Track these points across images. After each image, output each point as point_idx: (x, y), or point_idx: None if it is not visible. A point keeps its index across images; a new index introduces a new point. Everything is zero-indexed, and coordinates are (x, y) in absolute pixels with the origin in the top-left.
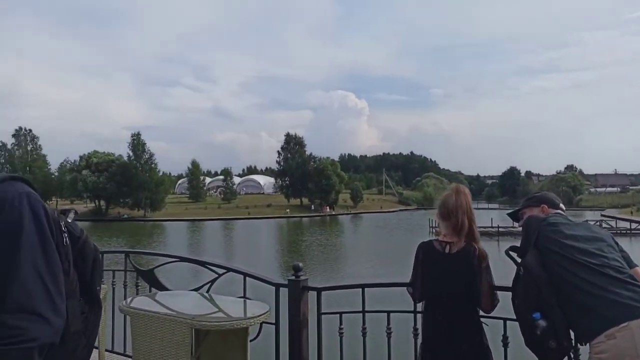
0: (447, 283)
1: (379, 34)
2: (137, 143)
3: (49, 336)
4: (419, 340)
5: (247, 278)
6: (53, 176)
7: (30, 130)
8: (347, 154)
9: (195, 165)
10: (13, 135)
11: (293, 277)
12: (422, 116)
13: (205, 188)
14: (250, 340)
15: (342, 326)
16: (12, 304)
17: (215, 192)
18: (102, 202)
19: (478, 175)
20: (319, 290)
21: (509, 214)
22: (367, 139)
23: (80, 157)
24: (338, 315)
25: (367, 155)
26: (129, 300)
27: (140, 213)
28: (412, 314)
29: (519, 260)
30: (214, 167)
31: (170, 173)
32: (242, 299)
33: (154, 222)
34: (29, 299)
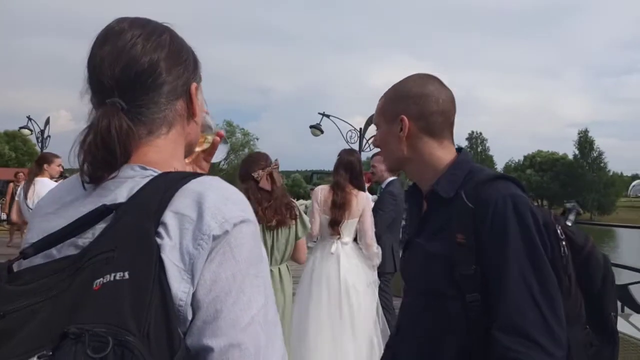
0: None
1: None
2: (584, 141)
3: None
4: None
5: None
6: None
7: (481, 133)
8: None
9: None
10: (466, 139)
11: None
12: None
13: None
14: None
15: None
16: (504, 322)
17: None
18: (545, 202)
19: None
20: None
21: None
22: None
23: (525, 157)
24: None
25: None
26: None
27: (586, 216)
28: None
29: None
30: None
31: (621, 173)
32: None
33: (601, 227)
34: (522, 320)
